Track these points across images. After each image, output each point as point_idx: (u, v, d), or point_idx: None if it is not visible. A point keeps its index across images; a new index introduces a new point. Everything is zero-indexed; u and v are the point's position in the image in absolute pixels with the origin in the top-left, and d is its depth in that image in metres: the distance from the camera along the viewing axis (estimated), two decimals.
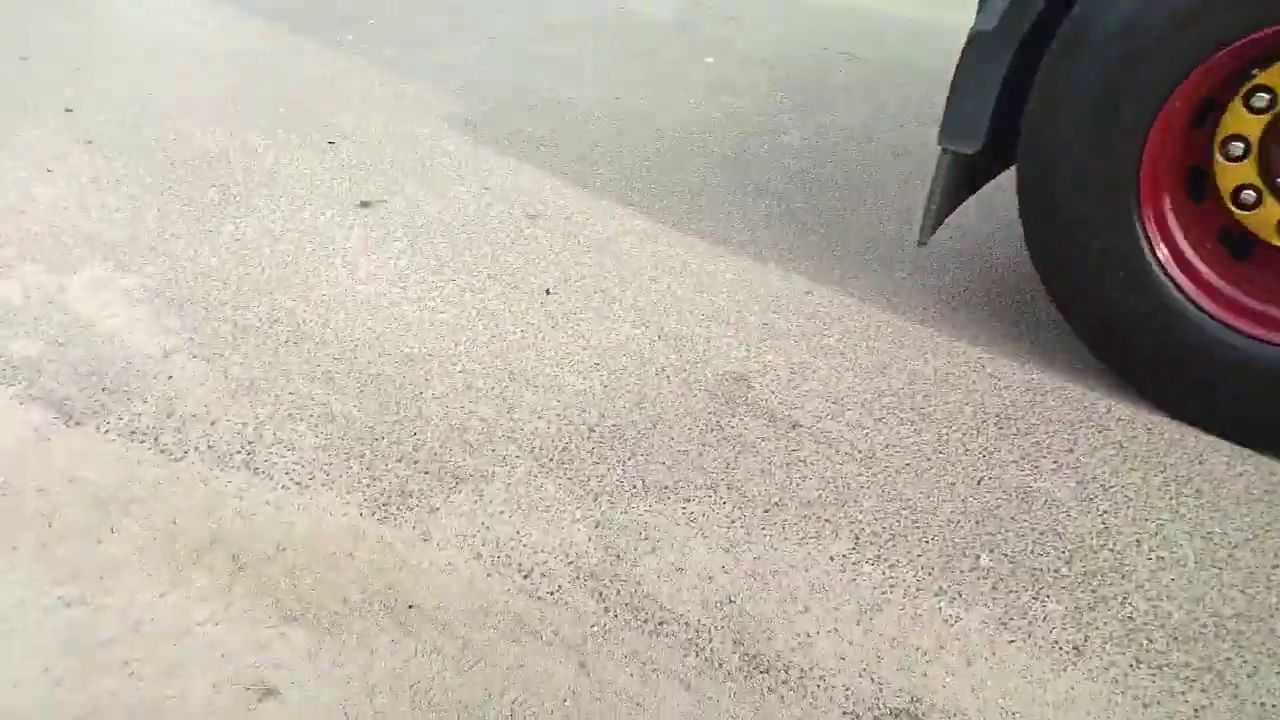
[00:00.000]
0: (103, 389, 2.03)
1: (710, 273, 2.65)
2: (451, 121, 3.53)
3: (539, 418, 2.03)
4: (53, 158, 3.01)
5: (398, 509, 1.77)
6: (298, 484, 1.81)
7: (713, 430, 2.02)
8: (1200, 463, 1.99)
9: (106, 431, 1.92)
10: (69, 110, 3.34)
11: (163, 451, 1.88)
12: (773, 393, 2.16)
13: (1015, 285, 2.61)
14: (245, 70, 3.88)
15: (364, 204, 2.85)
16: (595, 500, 1.83)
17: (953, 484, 1.91)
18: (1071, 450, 2.02)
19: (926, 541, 1.77)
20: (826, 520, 1.81)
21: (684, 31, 4.75)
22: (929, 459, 1.97)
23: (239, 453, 1.88)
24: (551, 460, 1.91)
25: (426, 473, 1.86)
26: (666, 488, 1.87)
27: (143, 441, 1.90)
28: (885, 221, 2.96)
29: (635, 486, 1.87)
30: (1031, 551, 1.75)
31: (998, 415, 2.12)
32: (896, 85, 4.12)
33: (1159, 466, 1.98)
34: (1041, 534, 1.79)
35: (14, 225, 2.61)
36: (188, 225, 2.67)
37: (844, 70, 4.33)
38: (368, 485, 1.82)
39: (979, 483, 1.91)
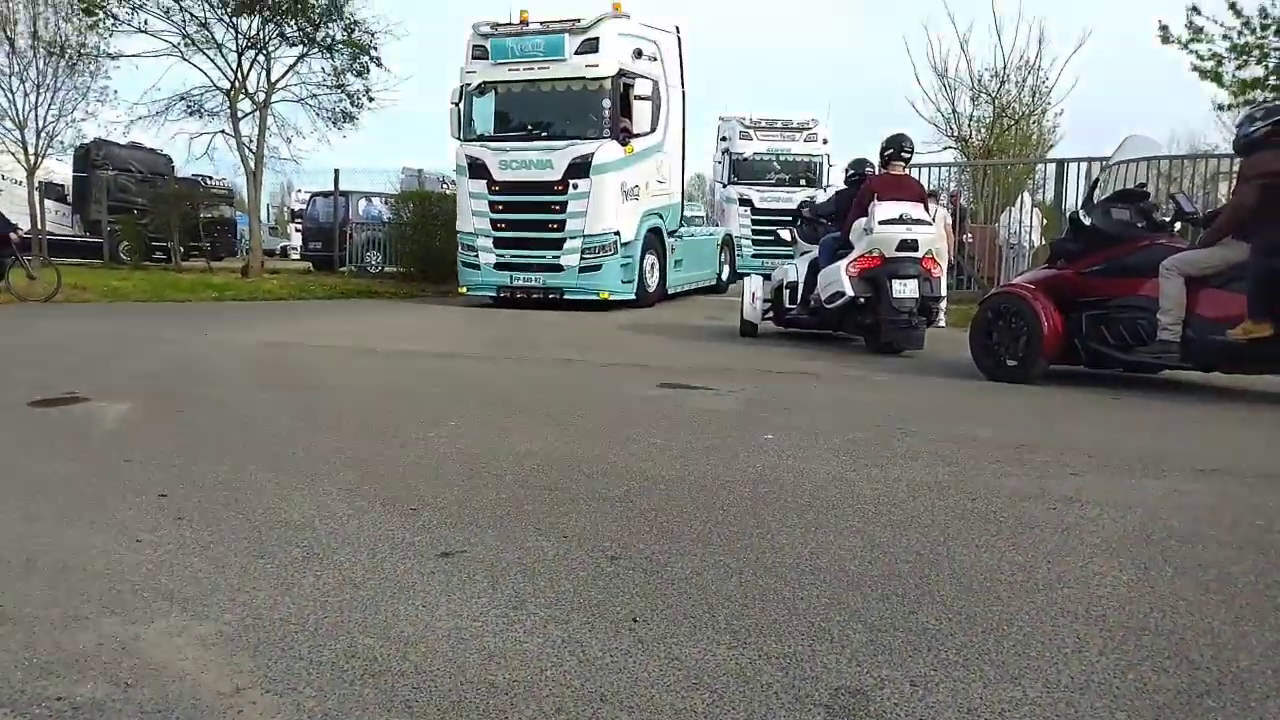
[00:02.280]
0: None
1: (804, 598, 2.52)
2: (528, 486, 3.60)
3: None
4: (143, 530, 3.08)
5: None
6: None
7: None
8: None
9: None
10: (163, 495, 3.48)
11: None
12: (896, 705, 1.96)
13: None
14: (341, 458, 4.08)
15: (444, 554, 2.84)
16: None
17: None
18: None
19: None
20: None
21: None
22: None
23: None
24: None
25: None
26: None
27: None
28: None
29: None
30: None
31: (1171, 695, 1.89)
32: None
33: None
34: None
35: (96, 585, 2.60)
36: (268, 579, 2.65)
37: (902, 440, 4.46)
38: None
39: None
